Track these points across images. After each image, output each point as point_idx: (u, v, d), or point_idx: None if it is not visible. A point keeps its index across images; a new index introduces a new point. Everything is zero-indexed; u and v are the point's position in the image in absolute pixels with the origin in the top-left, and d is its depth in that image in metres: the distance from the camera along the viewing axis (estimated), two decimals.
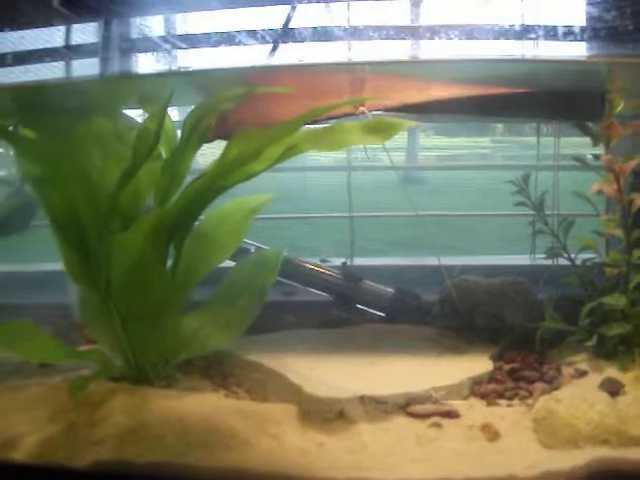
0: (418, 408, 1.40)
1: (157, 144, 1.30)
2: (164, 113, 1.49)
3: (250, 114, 1.53)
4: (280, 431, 1.31)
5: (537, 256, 2.18)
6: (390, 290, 1.97)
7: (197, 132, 1.34)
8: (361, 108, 1.47)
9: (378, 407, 1.39)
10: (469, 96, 1.70)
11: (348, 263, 2.09)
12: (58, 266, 2.01)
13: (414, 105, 1.64)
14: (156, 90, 1.56)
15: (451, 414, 1.39)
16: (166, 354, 1.45)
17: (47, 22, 1.68)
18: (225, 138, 1.45)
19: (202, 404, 1.37)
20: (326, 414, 1.35)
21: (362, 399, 1.38)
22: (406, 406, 1.40)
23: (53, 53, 1.67)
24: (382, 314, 1.96)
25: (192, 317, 1.51)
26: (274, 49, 1.55)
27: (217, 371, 1.55)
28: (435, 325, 1.83)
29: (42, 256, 2.19)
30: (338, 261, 2.13)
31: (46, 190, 1.41)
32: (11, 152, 1.70)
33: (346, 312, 1.94)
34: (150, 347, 1.42)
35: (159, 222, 1.28)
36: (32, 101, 1.46)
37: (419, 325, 1.85)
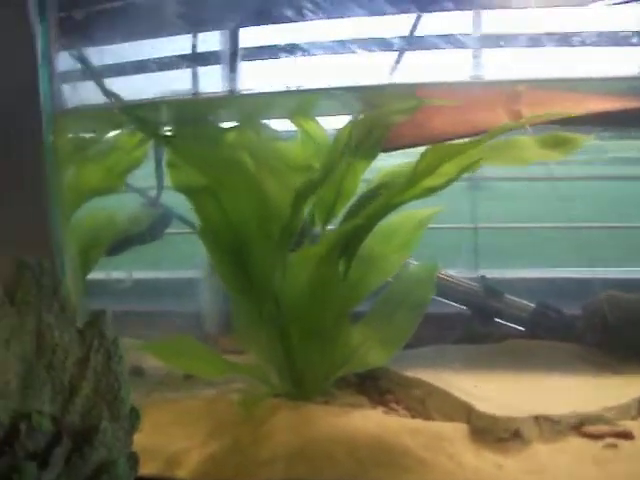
0: (592, 428, 1.33)
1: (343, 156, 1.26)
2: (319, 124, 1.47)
3: (407, 126, 1.48)
4: (455, 451, 1.25)
5: None
6: (531, 304, 1.88)
7: (367, 145, 1.29)
8: (523, 121, 1.40)
9: (552, 427, 1.31)
10: (626, 109, 1.61)
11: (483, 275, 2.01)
12: (190, 274, 2.03)
13: (572, 118, 1.56)
14: (303, 102, 1.53)
15: (626, 435, 1.31)
16: (330, 370, 1.40)
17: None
18: (384, 151, 1.41)
19: (368, 421, 1.32)
20: (501, 434, 1.28)
21: (537, 419, 1.30)
22: (579, 426, 1.32)
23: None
24: (522, 329, 1.87)
25: (352, 333, 1.46)
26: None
27: (373, 387, 1.49)
28: (582, 342, 1.74)
29: (174, 264, 2.18)
30: (460, 272, 2.05)
31: (203, 199, 1.38)
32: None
33: (486, 327, 1.86)
34: (318, 364, 1.37)
35: (336, 240, 1.25)
36: (184, 112, 1.44)
37: (563, 341, 1.76)
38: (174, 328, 1.77)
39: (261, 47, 1.63)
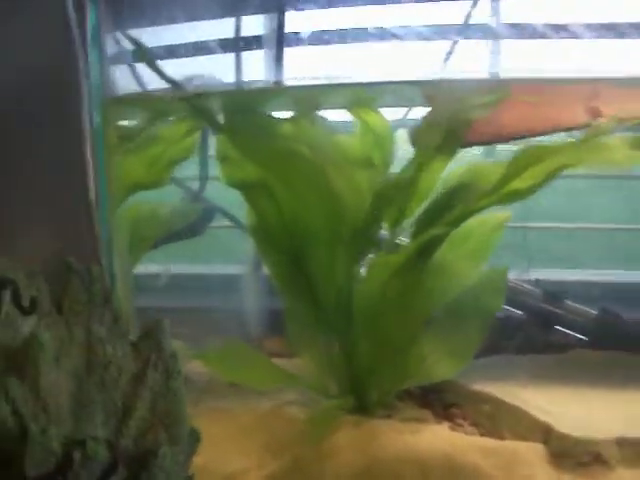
0: None
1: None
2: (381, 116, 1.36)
3: (481, 121, 1.36)
4: (532, 473, 1.15)
5: None
6: (592, 311, 1.76)
7: (446, 142, 1.17)
8: (600, 119, 1.27)
9: (635, 450, 1.20)
10: None
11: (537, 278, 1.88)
12: (232, 270, 1.92)
13: None
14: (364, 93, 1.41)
15: None
16: (396, 383, 1.29)
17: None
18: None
19: (437, 439, 1.21)
20: (582, 457, 1.17)
21: (619, 441, 1.19)
22: None
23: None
24: (584, 338, 1.75)
25: (422, 343, 1.35)
26: None
27: (436, 400, 1.38)
28: None
29: (215, 259, 2.07)
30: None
31: (258, 195, 1.28)
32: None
33: (545, 335, 1.74)
34: (385, 375, 1.27)
35: (416, 249, 1.14)
36: (237, 103, 1.33)
37: (633, 352, 1.64)
38: (214, 327, 1.67)
39: (320, 31, 1.51)
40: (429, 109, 1.29)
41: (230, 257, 1.95)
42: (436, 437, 1.22)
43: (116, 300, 0.91)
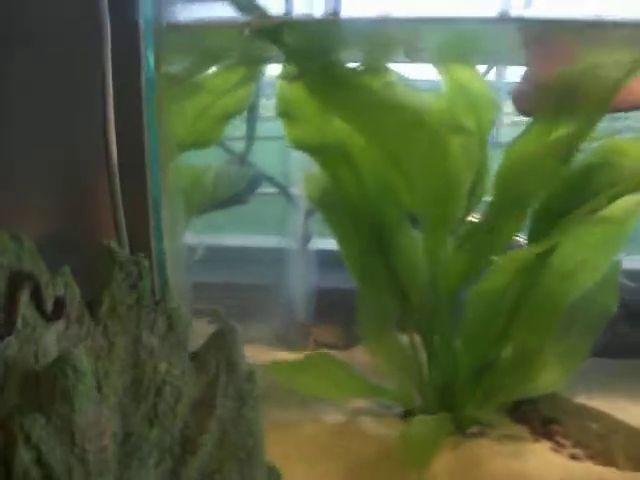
0: None
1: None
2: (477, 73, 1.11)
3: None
4: None
5: None
6: None
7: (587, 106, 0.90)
8: None
9: None
10: None
11: None
12: (277, 242, 1.68)
13: None
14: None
15: None
16: (495, 395, 1.06)
17: None
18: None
19: (546, 466, 0.99)
20: None
21: None
22: None
23: None
24: None
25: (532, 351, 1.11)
26: None
27: (532, 413, 1.15)
28: None
29: (258, 230, 1.82)
30: None
31: (334, 160, 1.04)
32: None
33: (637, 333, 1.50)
34: (486, 387, 1.04)
35: (550, 244, 0.90)
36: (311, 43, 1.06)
37: None
38: (255, 309, 1.44)
39: None
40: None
41: (276, 229, 1.71)
42: (545, 464, 1.00)
43: (173, 301, 0.68)
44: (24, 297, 0.58)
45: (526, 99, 1.09)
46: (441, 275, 0.97)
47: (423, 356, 1.06)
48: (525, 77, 1.17)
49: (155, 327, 0.66)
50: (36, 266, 0.61)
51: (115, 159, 0.73)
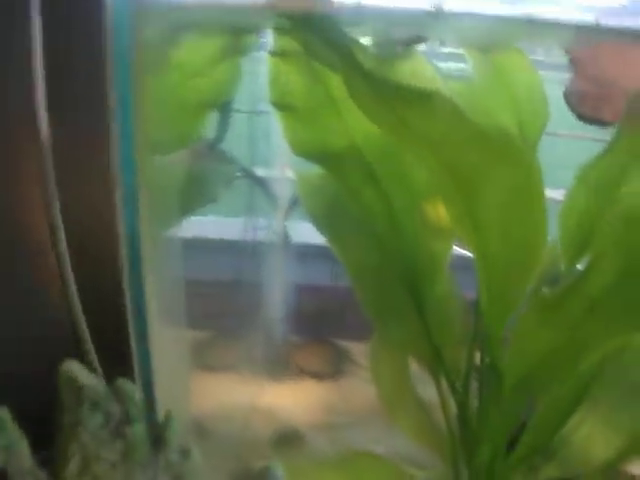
0: None
1: None
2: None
3: None
4: None
5: None
6: None
7: None
8: None
9: None
10: None
11: None
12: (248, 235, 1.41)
13: None
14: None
15: None
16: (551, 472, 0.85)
17: None
18: None
19: None
20: None
21: None
22: None
23: None
24: None
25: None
26: None
27: None
28: None
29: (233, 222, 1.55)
30: None
31: (350, 171, 0.79)
32: None
33: None
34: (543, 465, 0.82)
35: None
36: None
37: None
38: (223, 313, 1.17)
39: None
40: None
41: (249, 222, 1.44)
42: None
43: (176, 434, 0.43)
44: None
45: (590, 100, 0.87)
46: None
47: (463, 423, 0.84)
48: (581, 74, 0.94)
49: None
50: None
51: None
